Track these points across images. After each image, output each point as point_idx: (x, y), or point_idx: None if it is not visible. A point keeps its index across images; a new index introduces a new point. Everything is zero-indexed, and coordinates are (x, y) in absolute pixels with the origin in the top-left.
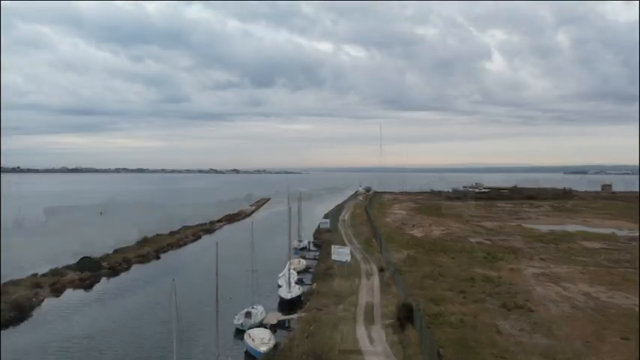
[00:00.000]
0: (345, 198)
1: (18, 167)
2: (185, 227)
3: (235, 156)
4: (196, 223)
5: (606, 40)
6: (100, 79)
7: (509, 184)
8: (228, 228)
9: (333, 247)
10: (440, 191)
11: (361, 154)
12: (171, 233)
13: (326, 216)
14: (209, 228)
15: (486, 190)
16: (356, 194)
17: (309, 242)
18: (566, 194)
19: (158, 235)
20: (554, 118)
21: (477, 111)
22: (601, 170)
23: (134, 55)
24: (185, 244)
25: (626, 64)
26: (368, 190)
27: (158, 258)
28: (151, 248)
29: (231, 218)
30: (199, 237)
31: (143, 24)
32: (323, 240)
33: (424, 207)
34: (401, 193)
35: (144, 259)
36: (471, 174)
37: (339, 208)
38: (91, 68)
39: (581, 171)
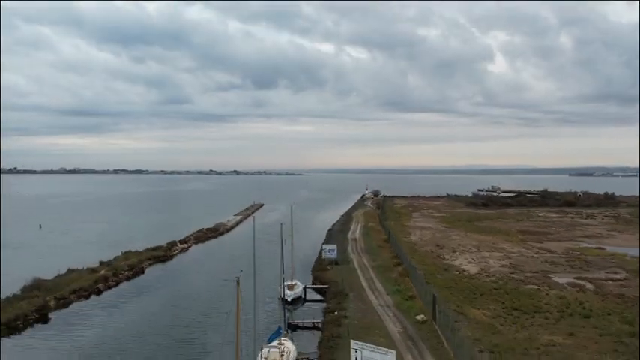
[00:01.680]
0: (351, 204)
1: (15, 168)
2: (127, 253)
3: (236, 157)
4: (154, 243)
5: (609, 41)
6: (101, 80)
7: (527, 188)
8: (195, 250)
9: (353, 345)
10: (457, 195)
11: (363, 156)
12: (99, 265)
13: (330, 234)
14: (164, 254)
15: (513, 195)
16: (363, 199)
17: (304, 288)
18: (610, 200)
19: (72, 270)
20: (556, 119)
21: (478, 113)
22: (607, 172)
23: (135, 56)
24: (111, 286)
25: (628, 65)
26: (376, 193)
27: (44, 320)
28: (33, 304)
29: (202, 236)
30: (141, 271)
31: (144, 25)
32: (329, 282)
33: (452, 217)
34: (414, 197)
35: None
36: (473, 176)
37: (346, 219)
38: (92, 69)
39: (586, 173)
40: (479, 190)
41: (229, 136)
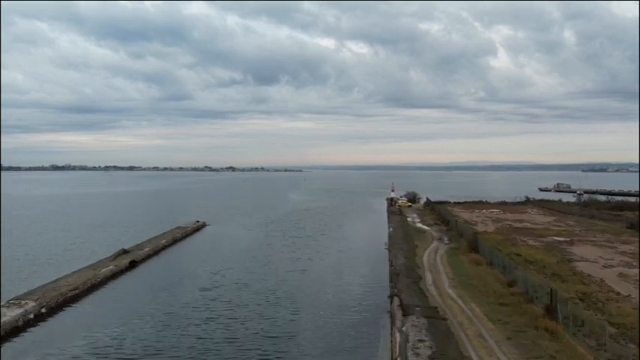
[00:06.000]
0: (380, 221)
1: None
2: None
3: (235, 154)
4: None
5: (613, 36)
6: (100, 76)
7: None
8: None
9: None
10: (543, 200)
11: (364, 152)
12: None
13: None
14: None
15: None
16: (397, 209)
17: None
18: None
19: None
20: (559, 115)
21: (481, 109)
22: (622, 167)
23: (134, 52)
24: None
25: (633, 60)
26: (412, 199)
27: None
28: None
29: None
30: None
31: (143, 20)
32: None
33: None
34: (469, 204)
35: None
36: (475, 172)
37: (440, 338)
38: (92, 66)
39: (596, 168)
40: (540, 190)
41: (229, 132)
